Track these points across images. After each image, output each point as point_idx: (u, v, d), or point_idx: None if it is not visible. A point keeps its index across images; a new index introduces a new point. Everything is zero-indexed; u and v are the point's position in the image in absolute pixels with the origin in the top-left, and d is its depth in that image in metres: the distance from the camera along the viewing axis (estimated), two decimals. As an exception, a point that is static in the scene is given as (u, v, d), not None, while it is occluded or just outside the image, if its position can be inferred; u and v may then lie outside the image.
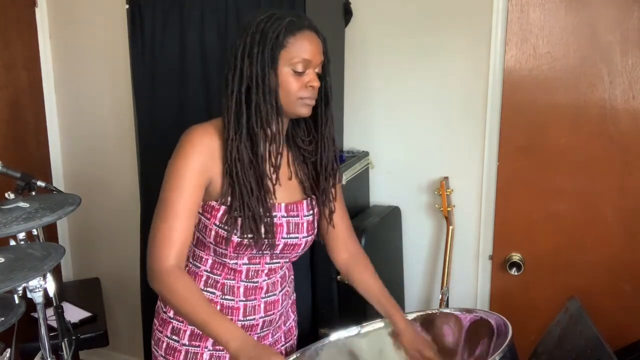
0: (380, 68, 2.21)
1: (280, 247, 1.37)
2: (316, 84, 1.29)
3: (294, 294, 1.60)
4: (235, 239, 1.30)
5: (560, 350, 1.69)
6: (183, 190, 1.27)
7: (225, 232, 1.30)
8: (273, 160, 1.33)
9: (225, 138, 1.29)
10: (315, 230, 1.45)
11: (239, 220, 1.29)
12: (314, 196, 1.44)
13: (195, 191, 1.28)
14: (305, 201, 1.41)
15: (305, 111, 1.31)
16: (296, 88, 1.28)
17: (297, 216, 1.39)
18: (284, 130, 1.37)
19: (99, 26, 2.63)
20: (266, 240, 1.32)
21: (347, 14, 2.18)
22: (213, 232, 1.32)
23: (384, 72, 2.21)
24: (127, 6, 2.10)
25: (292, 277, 1.56)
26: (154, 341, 1.46)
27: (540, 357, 1.76)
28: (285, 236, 1.37)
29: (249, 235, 1.30)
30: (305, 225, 1.40)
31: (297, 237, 1.39)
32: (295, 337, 1.61)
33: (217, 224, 1.31)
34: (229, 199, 1.30)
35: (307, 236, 1.42)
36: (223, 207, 1.30)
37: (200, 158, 1.28)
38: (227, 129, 1.29)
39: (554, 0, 1.93)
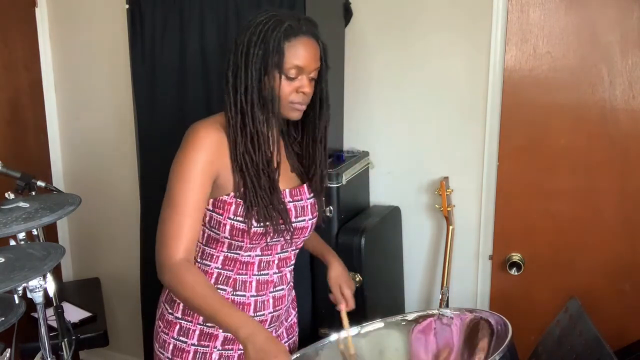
0: (380, 68, 2.21)
1: (292, 231, 1.40)
2: (307, 90, 1.32)
3: (294, 291, 1.62)
4: (253, 229, 1.32)
5: (560, 350, 1.69)
6: (190, 186, 1.29)
7: (242, 224, 1.33)
8: (274, 154, 1.35)
9: (231, 134, 1.32)
10: (317, 212, 1.48)
11: (254, 210, 1.31)
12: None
13: (203, 186, 1.30)
14: (305, 185, 1.46)
15: (295, 115, 1.35)
16: (287, 92, 1.30)
17: (301, 200, 1.44)
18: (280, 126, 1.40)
19: (99, 26, 2.63)
20: (283, 225, 1.36)
21: (347, 14, 2.18)
22: (228, 227, 1.34)
23: (384, 72, 2.21)
24: (127, 6, 2.10)
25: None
26: (159, 344, 1.45)
27: (540, 357, 1.76)
28: (295, 220, 1.41)
29: (267, 223, 1.33)
30: (309, 207, 1.46)
31: (304, 220, 1.44)
32: (296, 334, 1.63)
33: (232, 217, 1.33)
34: (242, 191, 1.32)
35: (312, 218, 1.47)
36: (235, 200, 1.33)
37: (207, 153, 1.30)
38: (231, 124, 1.31)
39: (554, 0, 1.93)
